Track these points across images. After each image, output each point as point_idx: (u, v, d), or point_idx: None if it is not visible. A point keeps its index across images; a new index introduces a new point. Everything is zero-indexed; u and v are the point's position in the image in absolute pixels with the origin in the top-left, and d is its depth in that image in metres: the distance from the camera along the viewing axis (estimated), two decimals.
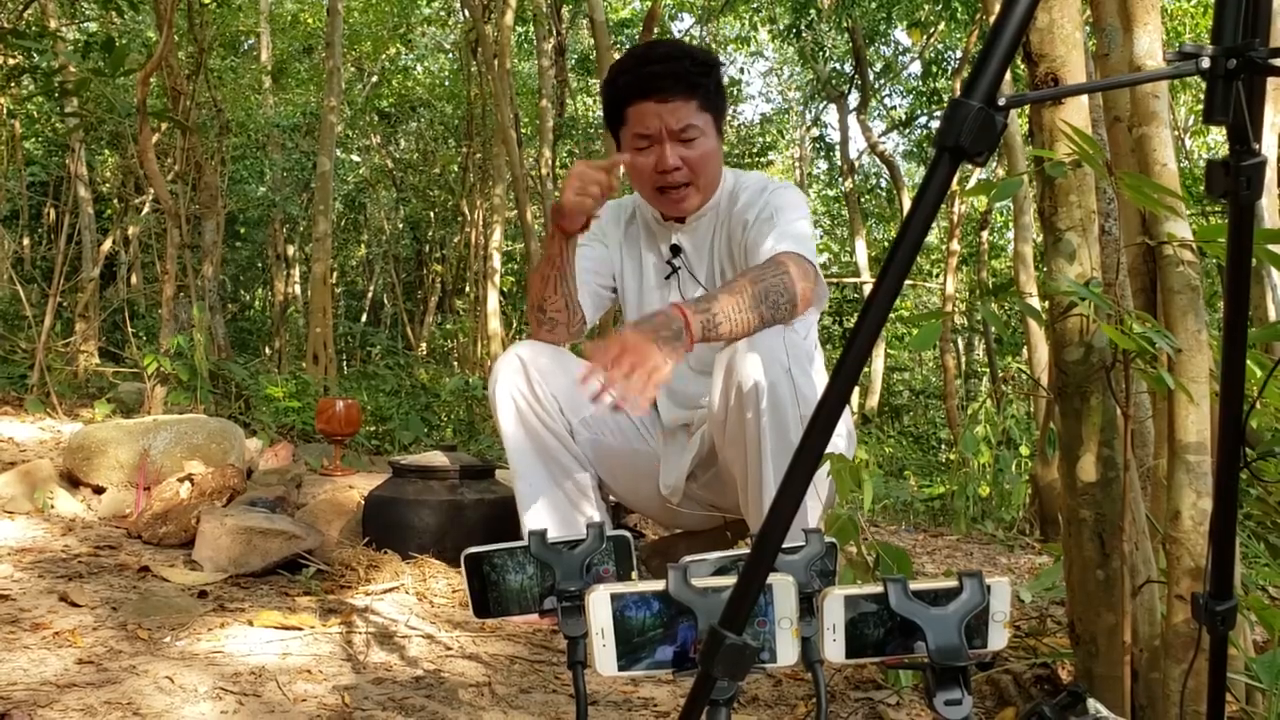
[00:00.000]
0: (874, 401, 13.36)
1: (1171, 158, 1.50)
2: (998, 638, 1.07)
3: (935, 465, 8.48)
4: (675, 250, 2.33)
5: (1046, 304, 1.52)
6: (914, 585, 1.04)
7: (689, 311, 1.78)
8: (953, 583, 1.04)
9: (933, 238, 16.59)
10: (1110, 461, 1.46)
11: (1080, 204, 1.45)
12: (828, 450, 1.79)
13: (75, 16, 10.23)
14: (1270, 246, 1.41)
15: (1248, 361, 1.40)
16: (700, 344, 1.81)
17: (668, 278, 2.34)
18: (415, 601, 2.18)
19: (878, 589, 1.04)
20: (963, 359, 16.10)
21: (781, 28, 12.97)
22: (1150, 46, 1.50)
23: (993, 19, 0.75)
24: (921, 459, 9.30)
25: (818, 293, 2.08)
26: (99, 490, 2.95)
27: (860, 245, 14.43)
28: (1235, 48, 0.74)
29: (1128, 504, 1.45)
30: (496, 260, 10.26)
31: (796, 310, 1.96)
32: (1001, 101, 0.71)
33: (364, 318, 16.15)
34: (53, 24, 8.08)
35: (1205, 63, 0.75)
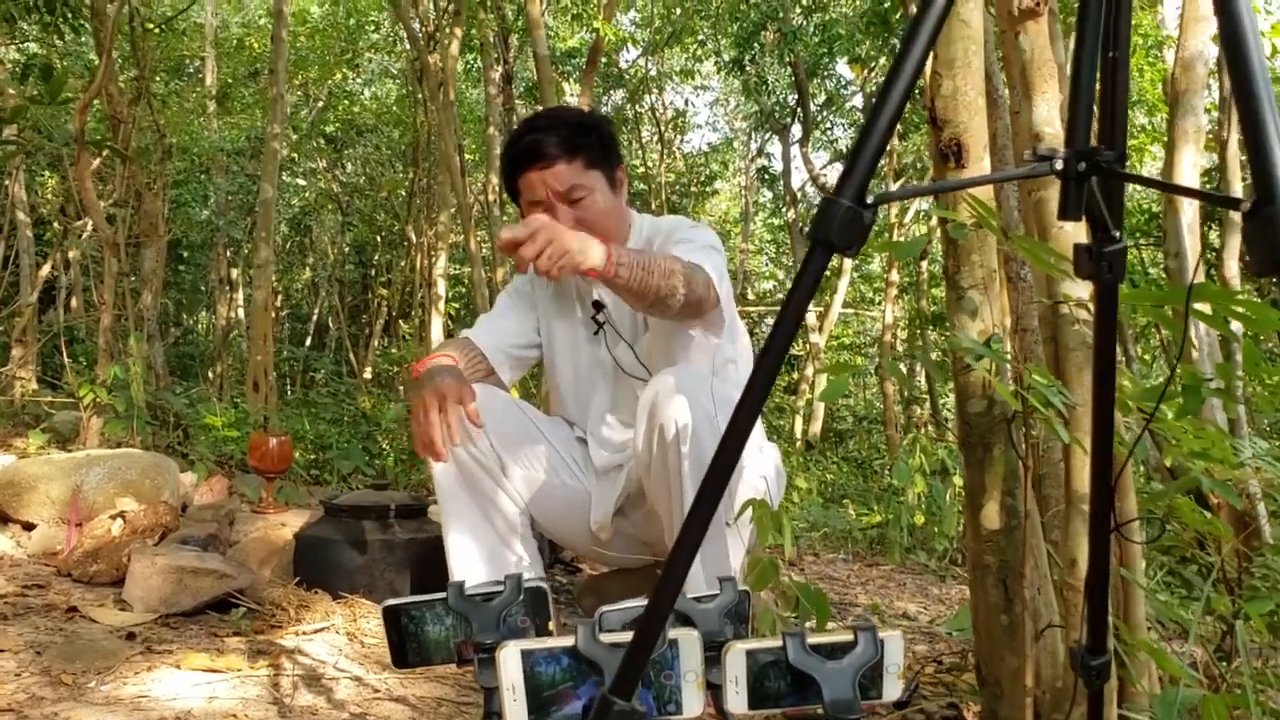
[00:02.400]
0: (817, 428, 13.50)
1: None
2: (892, 689, 1.12)
3: (875, 493, 8.58)
4: (598, 306, 2.34)
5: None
6: (811, 639, 1.09)
7: (611, 249, 1.88)
8: (848, 637, 1.09)
9: (875, 266, 16.82)
10: (1013, 510, 1.52)
11: (982, 263, 1.51)
12: (751, 496, 1.84)
13: (14, 37, 10.10)
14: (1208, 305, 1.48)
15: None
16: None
17: (595, 333, 2.36)
18: (345, 642, 2.20)
19: (777, 643, 1.09)
20: (904, 385, 16.28)
21: (727, 60, 13.13)
22: (1048, 114, 1.58)
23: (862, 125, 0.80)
24: (862, 485, 9.40)
25: (711, 318, 2.10)
26: (29, 527, 2.93)
27: None
28: (1085, 152, 0.81)
29: (1029, 551, 1.51)
30: (441, 286, 10.25)
31: (682, 299, 1.96)
32: (870, 200, 0.77)
33: (308, 341, 16.04)
34: None
35: (1059, 164, 0.81)
